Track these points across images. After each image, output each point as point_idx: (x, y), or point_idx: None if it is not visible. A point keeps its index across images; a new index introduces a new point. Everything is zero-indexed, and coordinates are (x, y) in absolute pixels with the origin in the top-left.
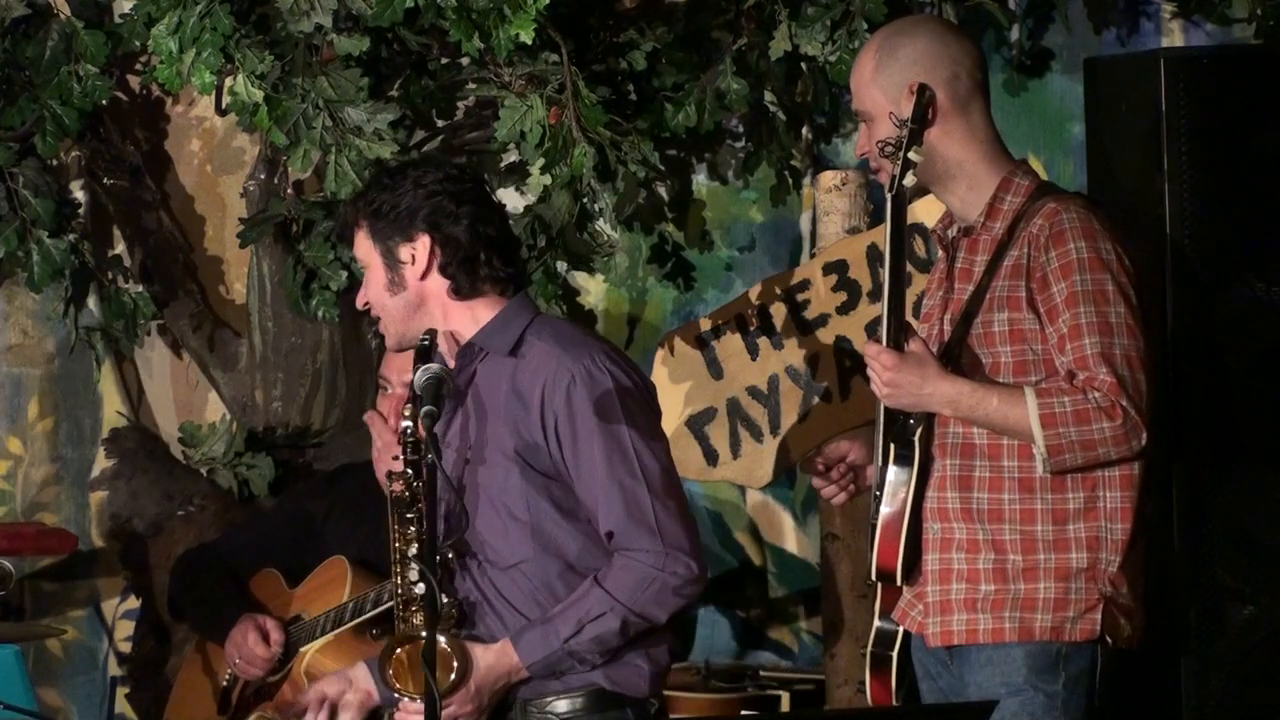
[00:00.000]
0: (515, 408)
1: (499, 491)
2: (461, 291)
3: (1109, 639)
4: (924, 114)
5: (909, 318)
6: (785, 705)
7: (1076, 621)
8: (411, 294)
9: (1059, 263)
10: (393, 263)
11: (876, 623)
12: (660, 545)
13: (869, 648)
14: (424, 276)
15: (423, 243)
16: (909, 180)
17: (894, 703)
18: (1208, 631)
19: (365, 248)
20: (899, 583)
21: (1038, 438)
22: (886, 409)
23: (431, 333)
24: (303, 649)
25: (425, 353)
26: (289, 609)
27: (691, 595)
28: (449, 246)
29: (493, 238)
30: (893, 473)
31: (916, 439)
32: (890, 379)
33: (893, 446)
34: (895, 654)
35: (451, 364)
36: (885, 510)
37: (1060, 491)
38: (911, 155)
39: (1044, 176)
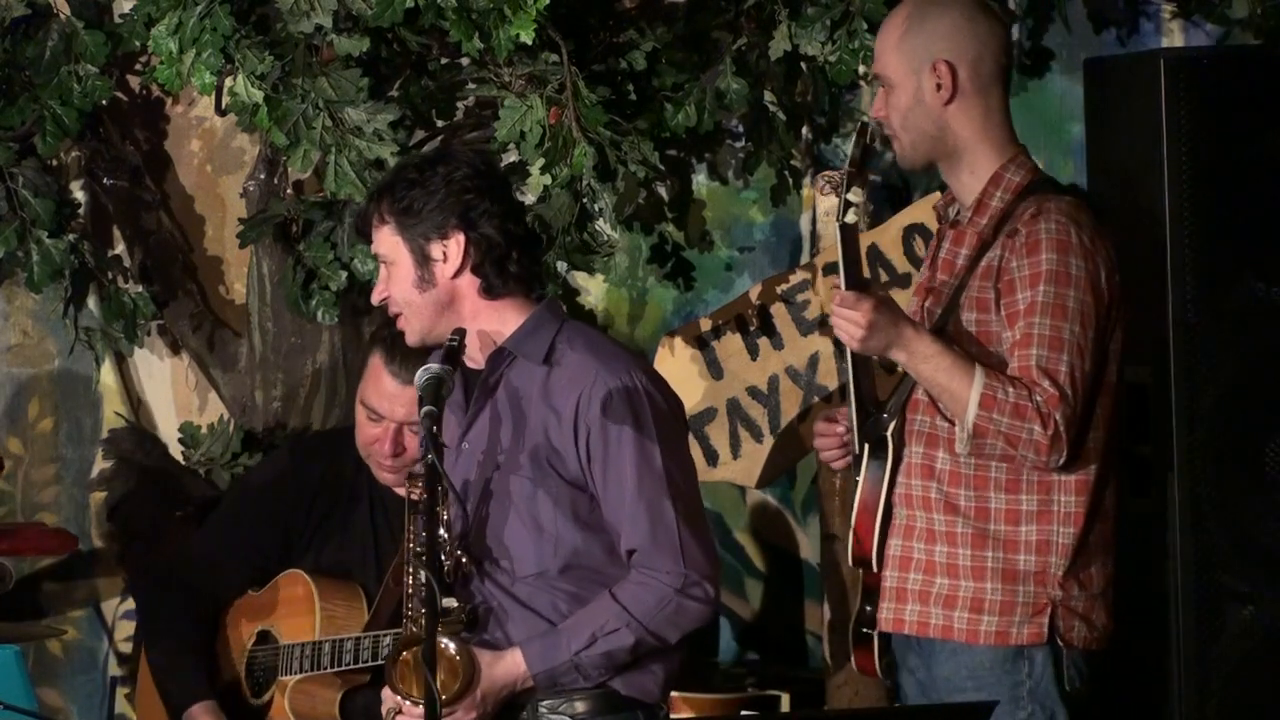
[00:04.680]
0: (546, 416)
1: (525, 500)
2: (492, 290)
3: (1060, 642)
4: (865, 155)
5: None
6: (785, 705)
7: (1023, 625)
8: (441, 292)
9: (1028, 271)
10: (423, 260)
11: (861, 604)
12: (682, 567)
13: (851, 626)
14: (456, 275)
15: (457, 240)
16: (852, 218)
17: (877, 672)
18: (1208, 632)
19: (391, 244)
20: (875, 569)
21: (970, 414)
22: (858, 403)
23: (461, 332)
24: (283, 679)
25: (453, 353)
26: (254, 620)
27: (704, 619)
28: (482, 244)
29: (521, 236)
30: (868, 464)
31: (889, 434)
32: (870, 320)
33: (866, 445)
34: (876, 633)
35: (481, 364)
36: (861, 497)
37: (1015, 492)
38: (850, 196)
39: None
